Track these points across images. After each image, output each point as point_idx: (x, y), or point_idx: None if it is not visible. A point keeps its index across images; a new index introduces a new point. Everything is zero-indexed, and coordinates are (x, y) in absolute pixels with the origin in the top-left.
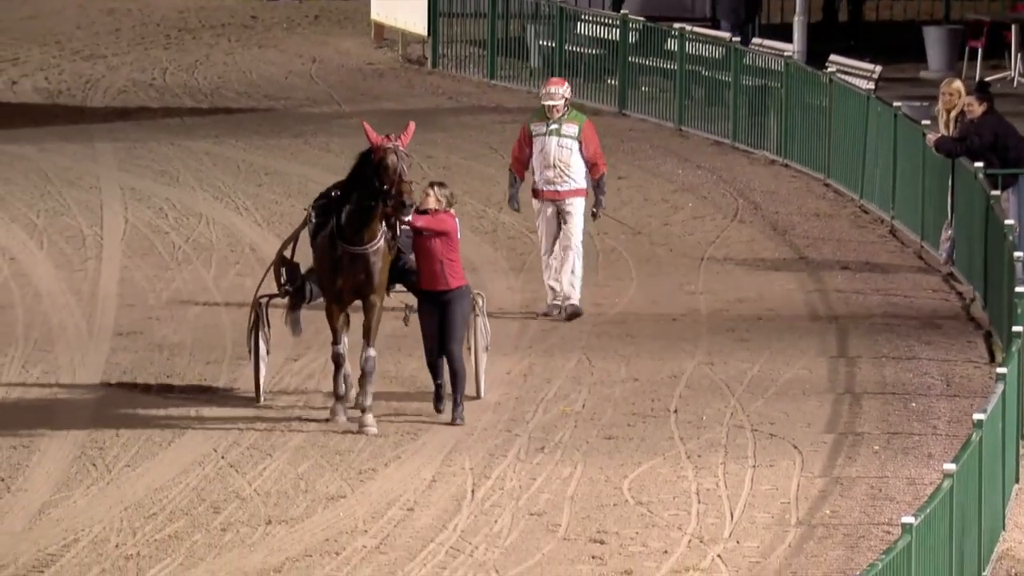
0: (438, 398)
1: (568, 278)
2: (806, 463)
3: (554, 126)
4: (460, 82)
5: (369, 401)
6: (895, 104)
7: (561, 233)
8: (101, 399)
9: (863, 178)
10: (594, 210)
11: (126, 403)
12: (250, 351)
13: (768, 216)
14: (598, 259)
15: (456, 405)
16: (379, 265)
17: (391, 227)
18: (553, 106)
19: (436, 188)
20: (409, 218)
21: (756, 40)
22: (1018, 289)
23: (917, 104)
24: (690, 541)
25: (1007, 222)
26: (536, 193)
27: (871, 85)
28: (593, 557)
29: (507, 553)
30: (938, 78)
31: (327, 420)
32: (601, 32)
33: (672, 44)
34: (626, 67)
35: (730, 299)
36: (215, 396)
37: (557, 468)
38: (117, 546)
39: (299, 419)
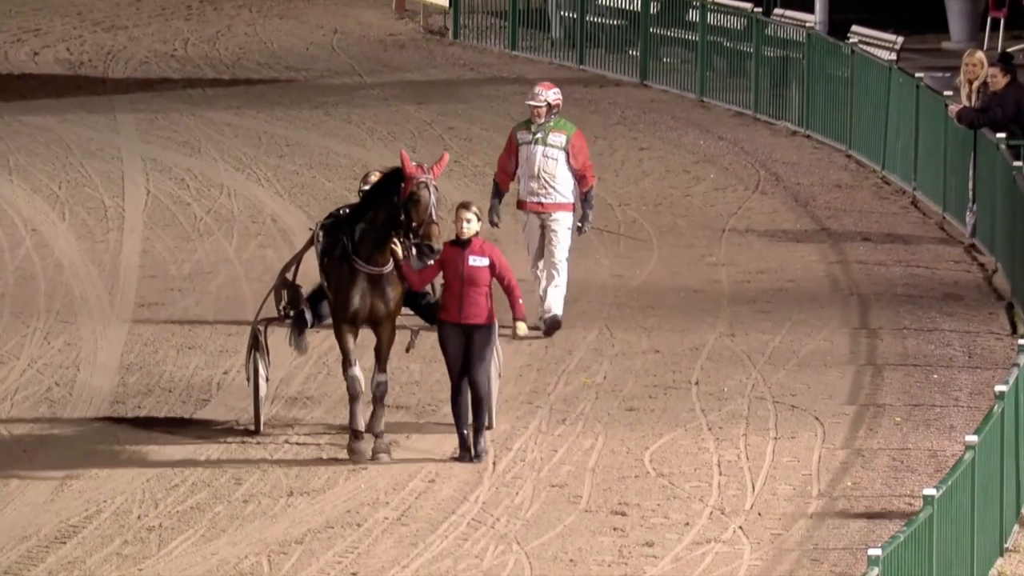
0: (463, 448)
1: (552, 293)
2: (827, 435)
3: (540, 134)
4: (481, 53)
5: (381, 427)
6: (917, 75)
7: (546, 249)
8: (123, 370)
9: (885, 149)
10: (579, 224)
11: (148, 374)
12: (248, 378)
13: (790, 187)
14: (619, 230)
15: (477, 434)
16: (393, 287)
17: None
18: (535, 107)
19: (468, 211)
20: (431, 262)
21: (778, 11)
22: None
23: (939, 75)
24: (711, 513)
25: None
26: (520, 204)
27: (893, 56)
28: (614, 529)
29: (528, 525)
30: (960, 49)
31: (347, 459)
32: (622, 3)
33: (693, 15)
34: (648, 38)
35: (751, 271)
36: (237, 368)
37: (578, 440)
38: (139, 517)
39: (319, 393)
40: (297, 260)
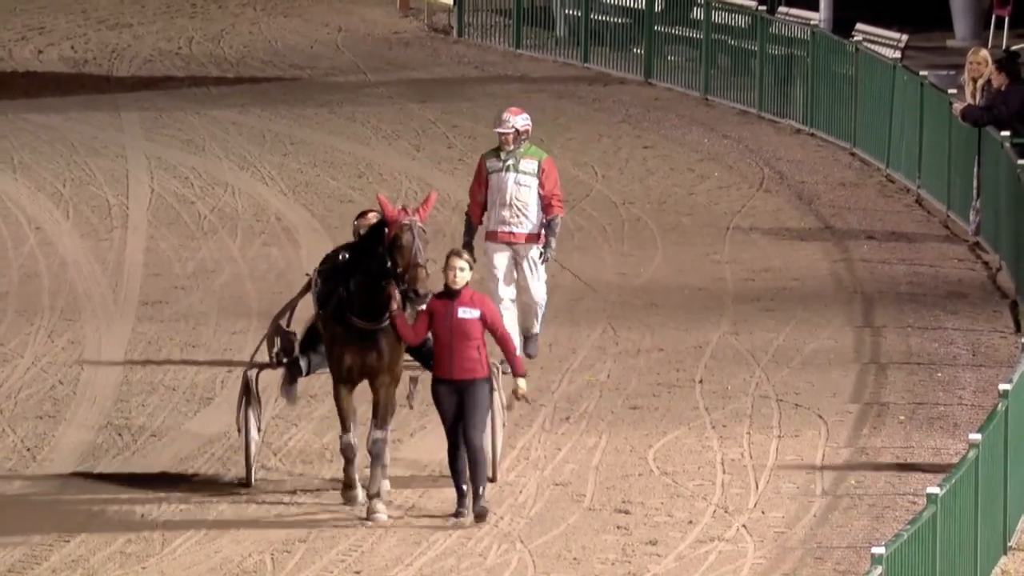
0: (461, 504)
1: (531, 319)
2: (831, 433)
3: (511, 161)
4: (486, 51)
5: (377, 487)
6: (921, 73)
7: (519, 287)
8: (127, 368)
9: (889, 147)
10: (542, 251)
11: (151, 372)
12: (239, 429)
13: (794, 185)
14: (623, 228)
15: (476, 497)
16: (391, 342)
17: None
18: (503, 135)
19: (459, 259)
20: (424, 307)
21: (782, 9)
22: None
23: (944, 73)
24: (715, 511)
25: None
26: (489, 235)
27: (897, 54)
28: (618, 527)
29: (532, 523)
30: (964, 47)
31: (343, 504)
32: (627, 1)
33: (698, 13)
34: (652, 36)
35: (755, 269)
36: (240, 366)
37: (582, 438)
38: (142, 515)
39: (322, 391)
40: (291, 307)
